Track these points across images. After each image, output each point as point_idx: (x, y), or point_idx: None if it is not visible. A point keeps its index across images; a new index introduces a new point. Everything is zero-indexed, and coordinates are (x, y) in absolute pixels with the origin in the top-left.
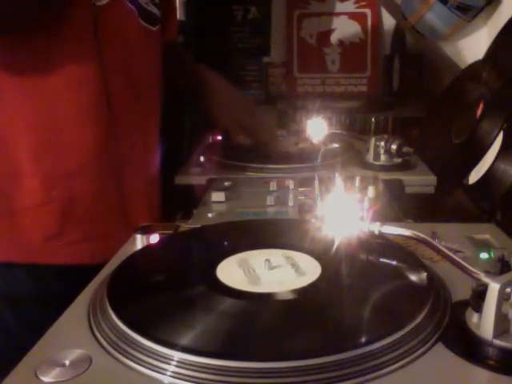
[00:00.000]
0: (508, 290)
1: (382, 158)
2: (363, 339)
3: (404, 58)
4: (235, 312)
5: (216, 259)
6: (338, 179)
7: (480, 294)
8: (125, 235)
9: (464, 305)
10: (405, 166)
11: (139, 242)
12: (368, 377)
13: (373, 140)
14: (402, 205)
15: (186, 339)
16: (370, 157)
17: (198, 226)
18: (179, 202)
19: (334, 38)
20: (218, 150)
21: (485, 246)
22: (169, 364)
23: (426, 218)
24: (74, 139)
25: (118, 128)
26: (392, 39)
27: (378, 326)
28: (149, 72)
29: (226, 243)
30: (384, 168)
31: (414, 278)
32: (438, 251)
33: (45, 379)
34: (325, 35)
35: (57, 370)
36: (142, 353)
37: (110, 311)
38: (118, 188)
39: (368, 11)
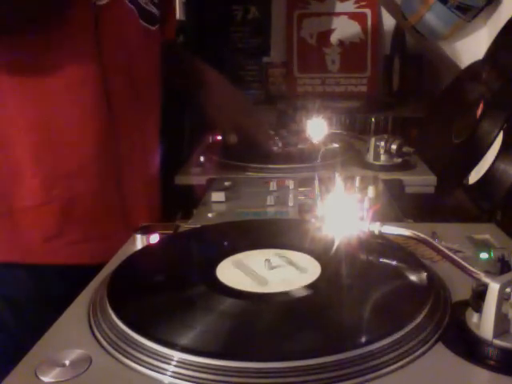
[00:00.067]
0: (508, 289)
1: (382, 157)
2: (363, 339)
3: (404, 58)
4: (235, 312)
5: (216, 259)
6: (338, 179)
7: (480, 294)
8: (125, 235)
9: (464, 305)
10: (405, 166)
11: (139, 242)
12: (368, 377)
13: (373, 140)
14: (402, 205)
15: (186, 339)
16: (370, 157)
17: (198, 226)
18: (179, 202)
19: (334, 38)
20: (218, 150)
21: (485, 246)
22: (169, 364)
23: (426, 218)
24: (75, 139)
25: (117, 128)
26: (392, 39)
27: (378, 326)
28: (148, 72)
29: (225, 243)
30: (384, 168)
31: (413, 277)
32: (438, 251)
33: (45, 379)
34: (325, 35)
35: (57, 370)
36: (142, 353)
37: (110, 311)
38: (118, 188)
39: (368, 11)
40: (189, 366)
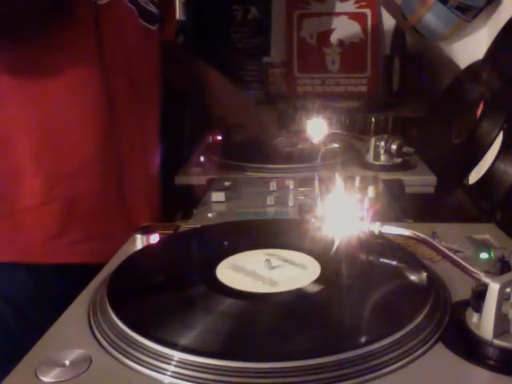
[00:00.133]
0: (508, 289)
1: (382, 157)
2: (363, 339)
3: (404, 58)
4: (235, 312)
5: (216, 259)
6: (338, 179)
7: (480, 294)
8: (126, 235)
9: (464, 305)
10: (405, 166)
11: (139, 241)
12: (368, 377)
13: (373, 140)
14: (402, 205)
15: (186, 339)
16: (370, 157)
17: (198, 225)
18: (179, 201)
19: (334, 38)
20: (218, 150)
21: (485, 246)
22: (169, 364)
23: (426, 218)
24: (75, 139)
25: (118, 128)
26: (392, 39)
27: (378, 326)
28: (148, 71)
29: (225, 243)
30: (384, 168)
31: (413, 277)
32: (438, 251)
33: (45, 379)
34: (325, 35)
35: (57, 370)
36: (142, 353)
37: (110, 311)
38: (119, 188)
39: (368, 11)
40: (189, 366)
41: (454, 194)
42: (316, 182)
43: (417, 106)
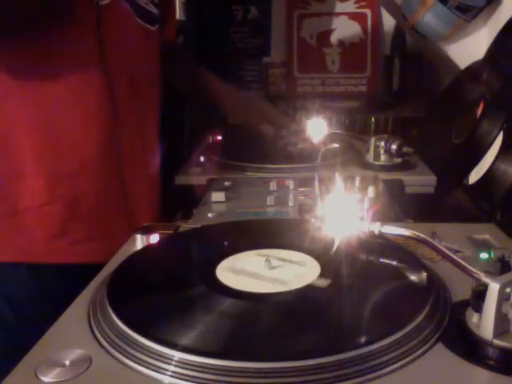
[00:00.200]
0: (508, 289)
1: (382, 157)
2: (363, 339)
3: (404, 58)
4: (235, 312)
5: (216, 259)
6: (338, 179)
7: (480, 294)
8: (127, 235)
9: (464, 305)
10: (405, 166)
11: (139, 241)
12: (368, 377)
13: (373, 140)
14: (402, 205)
15: (186, 339)
16: (370, 157)
17: (198, 225)
18: (179, 201)
19: (334, 38)
20: (218, 150)
21: (485, 246)
22: (169, 364)
23: (426, 218)
24: (77, 140)
25: (119, 128)
26: (392, 39)
27: (378, 326)
28: (148, 71)
29: (225, 243)
30: (384, 168)
31: (414, 277)
32: (438, 251)
33: (45, 379)
34: (325, 35)
35: (57, 370)
36: (142, 353)
37: (110, 311)
38: (121, 187)
39: (368, 11)
40: (189, 366)
41: (454, 193)
42: (316, 182)
43: (417, 106)
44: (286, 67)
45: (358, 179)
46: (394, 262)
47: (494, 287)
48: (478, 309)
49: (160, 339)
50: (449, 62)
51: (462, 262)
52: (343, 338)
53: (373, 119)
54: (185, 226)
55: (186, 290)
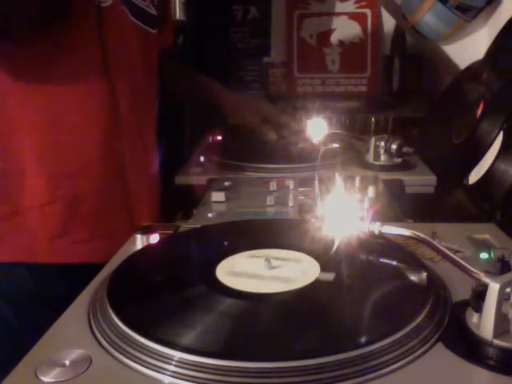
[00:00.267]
0: (508, 289)
1: (382, 157)
2: (363, 339)
3: (404, 58)
4: (235, 312)
5: (216, 259)
6: (338, 179)
7: (480, 294)
8: (127, 235)
9: (464, 305)
10: (405, 166)
11: (139, 241)
12: (368, 377)
13: (373, 140)
14: (402, 205)
15: (186, 339)
16: (370, 157)
17: (198, 226)
18: (179, 201)
19: (334, 38)
20: (218, 150)
21: (485, 246)
22: (169, 364)
23: (426, 218)
24: (78, 140)
25: (120, 128)
26: (392, 39)
27: (378, 326)
28: (148, 72)
29: (225, 243)
30: (384, 168)
31: (414, 277)
32: (438, 251)
33: (45, 379)
34: (325, 35)
35: (57, 370)
36: (142, 352)
37: (110, 311)
38: (121, 188)
39: (368, 11)
40: (189, 366)
41: (454, 193)
42: (316, 182)
43: (417, 106)
44: (286, 67)
45: (357, 179)
46: (394, 262)
47: (493, 287)
48: (478, 309)
49: (160, 339)
50: (449, 62)
51: (462, 262)
52: (343, 337)
53: (373, 119)
54: (185, 226)
55: (186, 290)
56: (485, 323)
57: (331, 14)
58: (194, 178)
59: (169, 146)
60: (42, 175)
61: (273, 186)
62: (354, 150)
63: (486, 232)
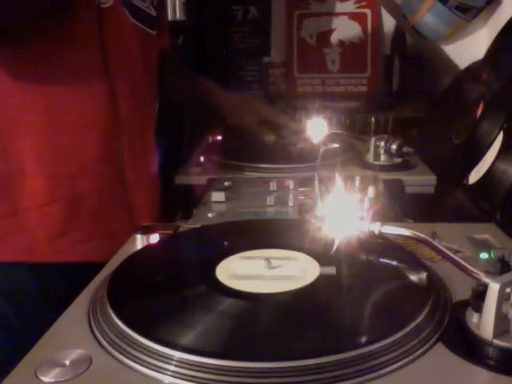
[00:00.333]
0: (508, 289)
1: (382, 157)
2: (363, 339)
3: (404, 58)
4: (235, 312)
5: (216, 259)
6: (338, 179)
7: (480, 294)
8: (127, 234)
9: (464, 305)
10: (405, 166)
11: (139, 241)
12: (368, 377)
13: (373, 140)
14: (402, 205)
15: (186, 339)
16: (370, 157)
17: (198, 226)
18: (179, 201)
19: (334, 38)
20: (218, 150)
21: (485, 246)
22: (169, 364)
23: (426, 218)
24: (78, 140)
25: (119, 128)
26: (392, 39)
27: (378, 326)
28: (148, 72)
29: (225, 243)
30: (384, 168)
31: (414, 278)
32: (438, 251)
33: (45, 379)
34: (325, 35)
35: (57, 370)
36: (142, 352)
37: (110, 311)
38: (122, 187)
39: (368, 11)
40: (189, 366)
41: (454, 193)
42: (316, 182)
43: (417, 106)
44: (285, 67)
45: (357, 179)
46: (394, 262)
47: (493, 287)
48: (478, 309)
49: (160, 339)
50: (449, 62)
51: (462, 262)
52: (343, 337)
53: (373, 119)
54: (185, 226)
55: (186, 290)
56: (485, 323)
57: (331, 13)
58: (194, 177)
59: (169, 146)
60: (42, 175)
61: (273, 185)
62: (354, 150)
63: (486, 232)
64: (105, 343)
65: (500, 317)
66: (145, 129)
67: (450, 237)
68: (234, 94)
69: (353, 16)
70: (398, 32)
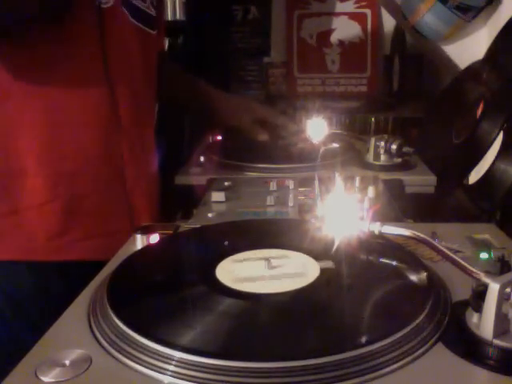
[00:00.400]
0: (508, 289)
1: (382, 157)
2: (363, 339)
3: (404, 58)
4: (235, 312)
5: (216, 259)
6: (338, 179)
7: (480, 294)
8: (127, 233)
9: (464, 305)
10: (405, 166)
11: (139, 241)
12: (368, 377)
13: (373, 140)
14: (402, 205)
15: (186, 339)
16: (370, 157)
17: (198, 226)
18: (179, 201)
19: (334, 38)
20: (218, 150)
21: (485, 246)
22: (169, 364)
23: (426, 218)
24: (77, 139)
25: (119, 128)
26: (392, 39)
27: (378, 326)
28: (147, 72)
29: (225, 243)
30: (384, 168)
31: (414, 277)
32: (438, 251)
33: (45, 379)
34: (325, 35)
35: (57, 370)
36: (142, 352)
37: (110, 311)
38: (121, 187)
39: (368, 11)
40: (189, 366)
41: (454, 193)
42: (316, 182)
43: (417, 106)
44: (286, 67)
45: (357, 179)
46: (394, 262)
47: (493, 287)
48: (478, 309)
49: (160, 339)
50: (449, 62)
51: (462, 262)
52: (343, 338)
53: (373, 119)
54: (185, 226)
55: (186, 290)
56: (485, 323)
57: (331, 14)
58: (194, 178)
59: (169, 146)
60: (41, 174)
61: (273, 185)
62: (354, 150)
63: (485, 232)
64: (105, 343)
65: (500, 317)
66: (145, 129)
67: (449, 237)
68: (233, 96)
69: (353, 16)
70: (398, 32)
